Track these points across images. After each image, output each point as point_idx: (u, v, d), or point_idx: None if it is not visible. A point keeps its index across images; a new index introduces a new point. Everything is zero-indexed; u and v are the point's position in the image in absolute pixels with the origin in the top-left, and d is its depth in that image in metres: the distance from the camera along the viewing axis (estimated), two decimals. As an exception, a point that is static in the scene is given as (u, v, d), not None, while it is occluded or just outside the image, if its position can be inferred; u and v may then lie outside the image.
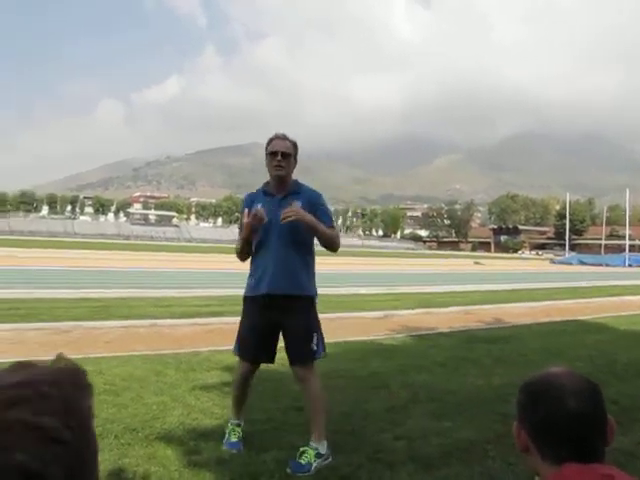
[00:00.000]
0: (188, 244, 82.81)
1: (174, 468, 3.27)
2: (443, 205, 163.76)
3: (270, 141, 3.65)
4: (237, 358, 3.85)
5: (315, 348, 3.65)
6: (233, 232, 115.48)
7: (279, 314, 3.59)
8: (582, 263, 52.52)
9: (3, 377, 0.63)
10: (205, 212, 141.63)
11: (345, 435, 3.89)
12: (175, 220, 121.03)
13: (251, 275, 3.69)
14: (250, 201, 3.72)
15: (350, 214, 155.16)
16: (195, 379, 5.22)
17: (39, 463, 0.57)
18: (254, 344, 3.68)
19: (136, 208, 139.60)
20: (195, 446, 3.61)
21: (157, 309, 9.92)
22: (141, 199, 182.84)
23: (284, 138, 3.65)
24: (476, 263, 40.40)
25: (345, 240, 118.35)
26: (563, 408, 1.23)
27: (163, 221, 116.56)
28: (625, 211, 73.12)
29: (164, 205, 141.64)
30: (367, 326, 9.08)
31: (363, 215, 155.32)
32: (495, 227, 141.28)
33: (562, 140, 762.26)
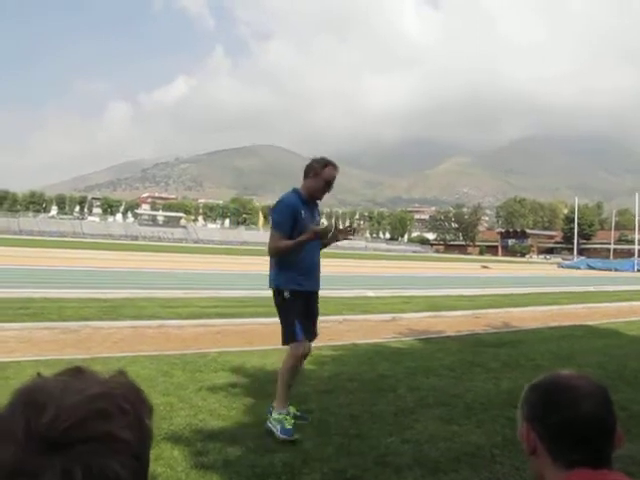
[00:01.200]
0: (195, 245, 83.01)
1: (181, 469, 3.28)
2: (451, 208, 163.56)
3: (325, 166, 4.19)
4: (295, 346, 4.16)
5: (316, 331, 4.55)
6: (240, 233, 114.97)
7: (311, 304, 4.36)
8: (590, 267, 52.25)
9: (80, 385, 0.65)
10: (213, 213, 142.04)
11: (352, 438, 3.89)
12: (183, 221, 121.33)
13: (295, 271, 4.19)
14: (295, 207, 4.19)
15: (358, 217, 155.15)
16: (202, 380, 5.23)
17: (129, 475, 0.60)
18: (308, 327, 4.28)
19: (144, 209, 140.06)
20: (202, 447, 3.62)
21: (165, 310, 9.95)
22: (149, 200, 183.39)
23: (336, 168, 4.25)
24: (483, 267, 40.26)
25: (351, 243, 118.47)
26: (579, 411, 1.20)
27: (171, 222, 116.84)
28: (635, 215, 72.70)
29: (172, 206, 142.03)
30: (375, 329, 9.07)
31: (370, 218, 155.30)
32: (503, 231, 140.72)
33: (570, 142, 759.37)
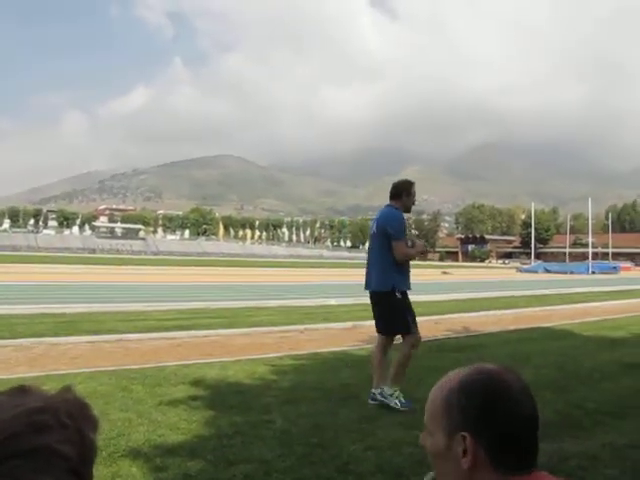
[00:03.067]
0: (155, 257, 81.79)
1: (140, 486, 3.19)
2: (411, 215, 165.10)
3: (411, 185, 5.33)
4: (411, 338, 5.10)
5: None
6: (200, 244, 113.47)
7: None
8: (547, 271, 53.47)
9: (19, 401, 0.63)
10: (172, 224, 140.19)
11: (314, 447, 3.86)
12: (142, 233, 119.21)
13: (403, 274, 5.15)
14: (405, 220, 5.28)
15: (318, 225, 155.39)
16: (162, 394, 5.13)
17: None
18: (415, 320, 5.15)
19: (102, 221, 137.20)
20: (161, 462, 3.53)
21: (123, 323, 9.76)
22: (107, 212, 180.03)
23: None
24: (444, 273, 40.71)
25: (313, 252, 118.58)
26: (522, 412, 1.08)
27: (129, 234, 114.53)
28: (588, 219, 74.79)
29: (130, 218, 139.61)
30: (336, 337, 9.08)
31: (331, 226, 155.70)
32: (462, 237, 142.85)
33: (528, 150, 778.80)
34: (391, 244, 5.06)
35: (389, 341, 5.20)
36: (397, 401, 4.84)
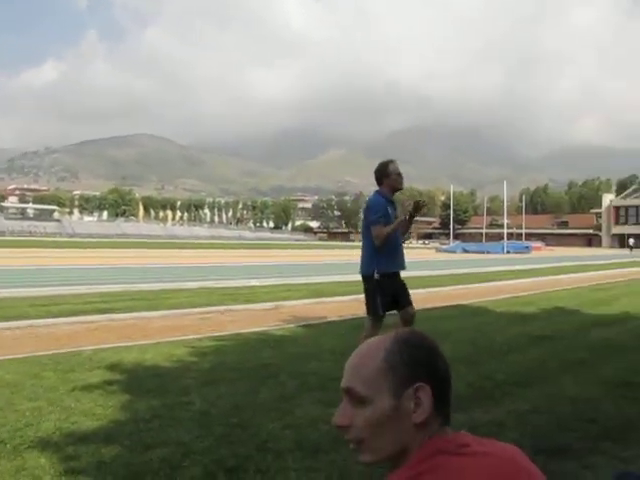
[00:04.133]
0: (71, 239, 78.62)
1: (48, 478, 3.05)
2: (333, 197, 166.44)
3: (387, 165, 5.29)
4: (372, 320, 5.23)
5: None
6: (119, 226, 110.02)
7: (400, 279, 5.36)
8: (465, 251, 55.28)
9: None
10: (89, 205, 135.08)
11: (233, 427, 3.85)
12: (56, 214, 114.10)
13: (388, 256, 5.21)
14: (385, 204, 5.21)
15: (241, 206, 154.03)
16: (76, 380, 4.95)
17: None
18: (391, 302, 5.21)
19: (11, 202, 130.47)
20: (74, 451, 3.40)
21: (35, 309, 9.30)
22: (17, 192, 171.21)
23: (394, 162, 5.36)
24: (366, 253, 41.20)
25: (236, 232, 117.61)
26: (446, 361, 1.12)
27: (43, 215, 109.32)
28: (503, 202, 77.79)
29: (44, 199, 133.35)
30: (257, 318, 9.06)
31: (254, 207, 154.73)
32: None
33: (448, 135, 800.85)
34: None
35: (375, 323, 5.25)
36: None
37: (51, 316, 8.55)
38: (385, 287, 5.18)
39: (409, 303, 5.31)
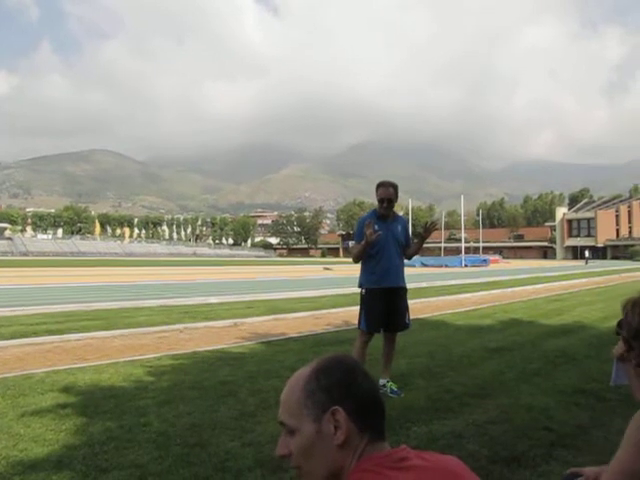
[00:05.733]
0: (24, 258, 76.44)
1: (-7, 510, 2.95)
2: (293, 212, 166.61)
3: (378, 187, 5.31)
4: (360, 332, 5.42)
5: (408, 321, 5.56)
6: (75, 244, 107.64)
7: (392, 298, 5.37)
8: (424, 265, 55.86)
9: None
10: (43, 223, 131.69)
11: (192, 447, 3.78)
12: (8, 232, 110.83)
13: (372, 273, 5.37)
14: (371, 219, 5.18)
15: (200, 223, 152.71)
16: (26, 404, 4.78)
17: None
18: (380, 319, 5.32)
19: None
20: None
21: (-16, 330, 9.00)
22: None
23: (389, 186, 5.28)
24: (325, 269, 41.47)
25: (193, 249, 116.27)
26: (372, 380, 1.20)
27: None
28: (461, 216, 79.20)
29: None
30: (216, 335, 8.96)
31: (213, 224, 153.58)
32: (344, 233, 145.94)
33: (406, 150, 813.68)
34: None
35: (361, 336, 5.43)
36: (387, 390, 5.21)
37: (0, 338, 8.29)
38: (370, 303, 5.33)
39: (394, 330, 5.47)
